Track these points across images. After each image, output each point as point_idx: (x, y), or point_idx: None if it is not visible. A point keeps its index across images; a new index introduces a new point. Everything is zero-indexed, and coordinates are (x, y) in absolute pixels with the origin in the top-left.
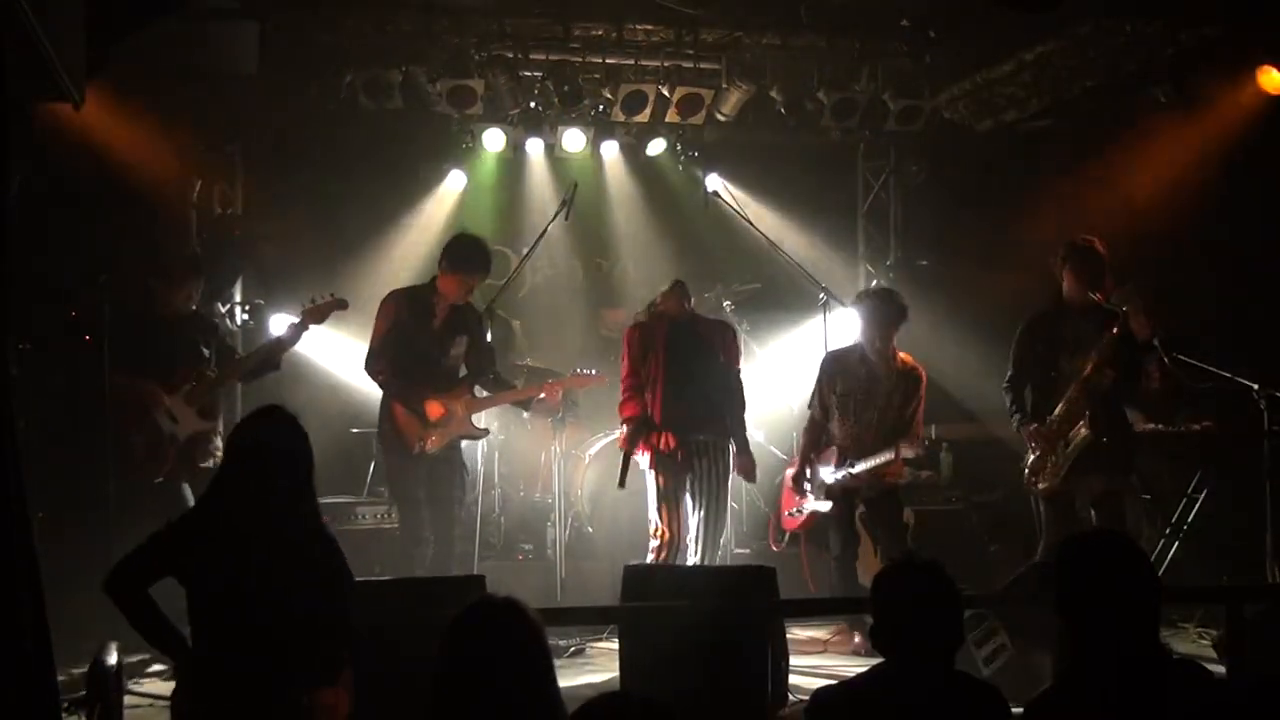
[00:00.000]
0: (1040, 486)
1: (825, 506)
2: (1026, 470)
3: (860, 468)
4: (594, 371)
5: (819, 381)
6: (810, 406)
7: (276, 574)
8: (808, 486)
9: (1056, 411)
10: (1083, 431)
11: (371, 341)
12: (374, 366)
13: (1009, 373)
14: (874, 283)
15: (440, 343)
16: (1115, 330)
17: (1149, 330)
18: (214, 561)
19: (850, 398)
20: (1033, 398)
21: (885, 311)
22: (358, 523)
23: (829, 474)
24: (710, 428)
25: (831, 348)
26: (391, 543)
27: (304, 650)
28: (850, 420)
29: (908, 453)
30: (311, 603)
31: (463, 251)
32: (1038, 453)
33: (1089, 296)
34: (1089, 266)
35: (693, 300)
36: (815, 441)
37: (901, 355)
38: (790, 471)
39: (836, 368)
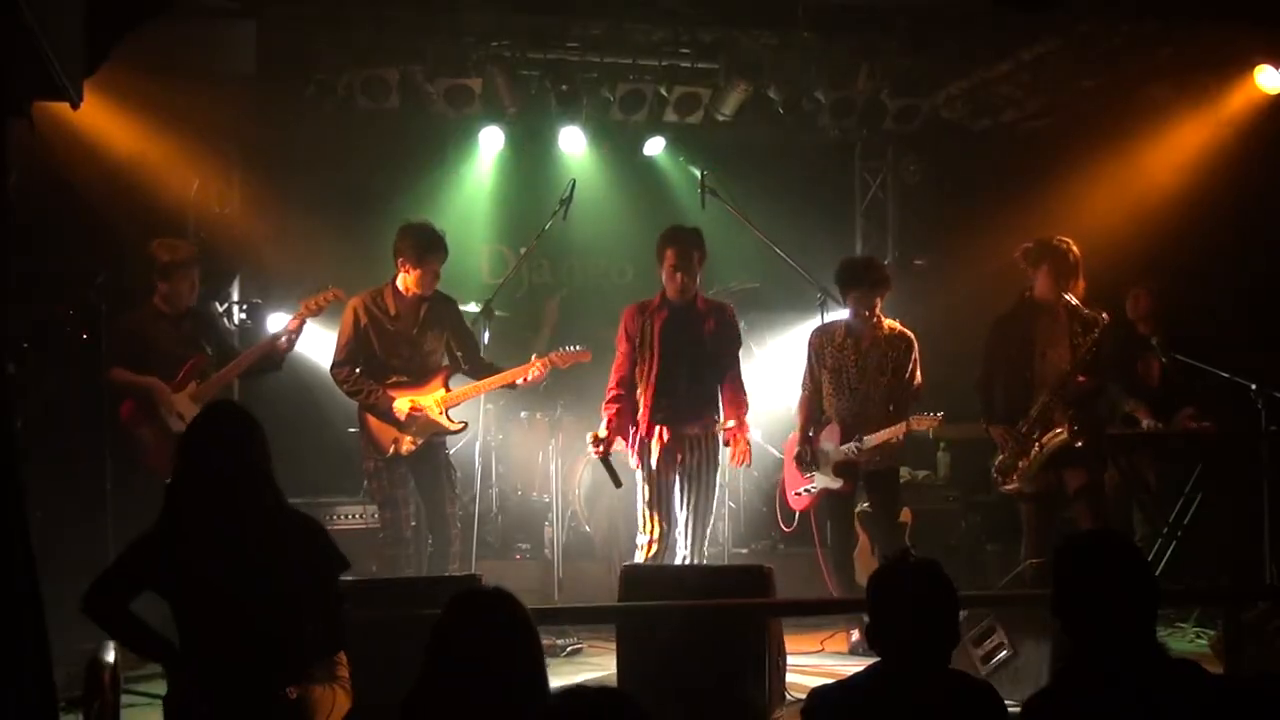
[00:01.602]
0: (1007, 488)
1: (837, 484)
2: (994, 470)
3: (870, 441)
4: (578, 348)
5: (809, 357)
6: (802, 384)
7: (250, 568)
8: (812, 463)
9: (1030, 414)
10: (1061, 435)
11: (335, 350)
12: (336, 375)
13: (979, 372)
14: None
15: (410, 341)
16: (1094, 339)
17: (1149, 329)
18: (185, 566)
19: (843, 372)
20: (1006, 398)
21: (863, 279)
22: (355, 522)
23: (837, 449)
24: (701, 422)
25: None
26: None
27: (290, 642)
28: (847, 394)
29: (919, 426)
30: (292, 591)
31: (417, 241)
32: (1006, 454)
33: (1062, 297)
34: (1065, 267)
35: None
36: (812, 417)
37: (889, 323)
38: (788, 451)
39: (825, 342)
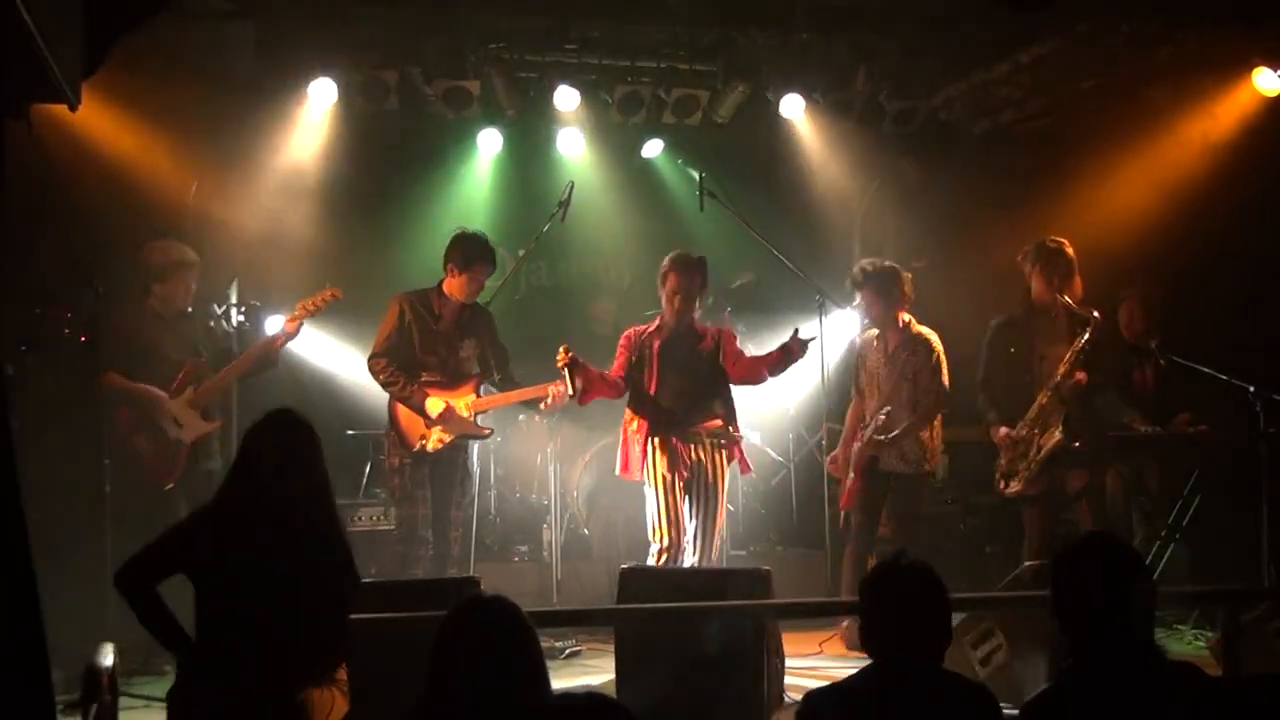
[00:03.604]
0: (1010, 490)
1: (850, 480)
2: (997, 475)
3: (886, 434)
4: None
5: (855, 364)
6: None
7: (283, 574)
8: (846, 465)
9: (1028, 415)
10: (1055, 436)
11: (375, 342)
12: (374, 365)
13: (981, 376)
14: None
15: (448, 343)
16: (1087, 338)
17: (1144, 331)
18: (223, 559)
19: (876, 374)
20: (1006, 401)
21: (862, 285)
22: (354, 525)
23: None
24: (705, 429)
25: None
26: (388, 544)
27: (303, 648)
28: (876, 397)
29: (909, 422)
30: (314, 602)
31: (467, 248)
32: (1007, 458)
33: (1058, 299)
34: (1058, 268)
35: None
36: (854, 426)
37: (917, 328)
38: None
39: (864, 348)
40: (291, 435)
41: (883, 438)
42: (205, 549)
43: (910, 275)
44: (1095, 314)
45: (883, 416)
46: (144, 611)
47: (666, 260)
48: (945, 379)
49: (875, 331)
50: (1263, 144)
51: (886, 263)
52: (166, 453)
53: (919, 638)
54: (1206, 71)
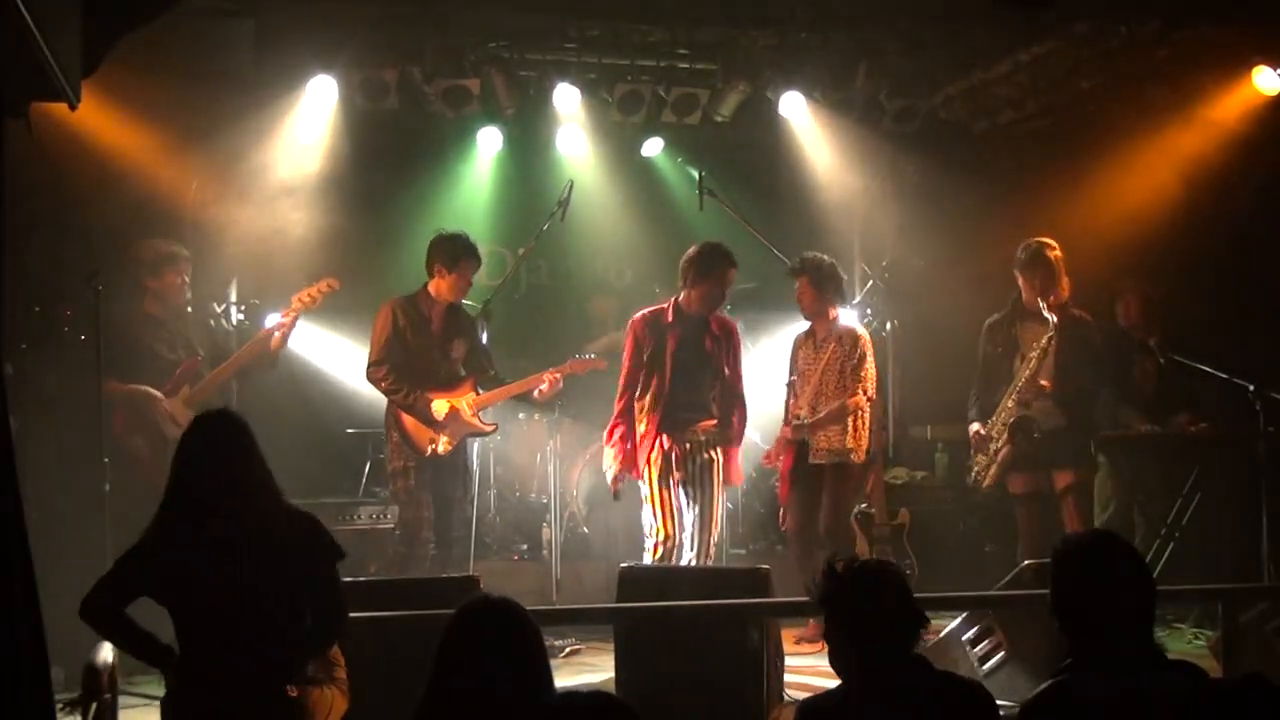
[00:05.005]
0: (985, 485)
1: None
2: (975, 471)
3: (809, 421)
4: (592, 356)
5: (789, 365)
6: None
7: (245, 572)
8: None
9: (995, 416)
10: (1005, 446)
11: (370, 350)
12: (375, 374)
13: (976, 375)
14: (868, 283)
15: (440, 346)
16: (1044, 343)
17: (1141, 325)
18: (179, 573)
19: (806, 371)
20: (989, 399)
21: (807, 277)
22: (354, 523)
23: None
24: (703, 427)
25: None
26: (388, 543)
27: (288, 641)
28: (806, 392)
29: (833, 404)
30: (289, 590)
31: (450, 247)
32: (977, 454)
33: (1038, 302)
34: (1039, 271)
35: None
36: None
37: (843, 323)
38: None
39: (797, 346)
40: (221, 431)
41: (802, 423)
42: (156, 573)
43: (821, 271)
44: (1054, 320)
45: (805, 409)
46: (117, 637)
47: (718, 254)
48: (868, 373)
49: (806, 328)
50: (1262, 142)
51: (826, 257)
52: (163, 454)
53: (890, 638)
54: (1206, 71)
